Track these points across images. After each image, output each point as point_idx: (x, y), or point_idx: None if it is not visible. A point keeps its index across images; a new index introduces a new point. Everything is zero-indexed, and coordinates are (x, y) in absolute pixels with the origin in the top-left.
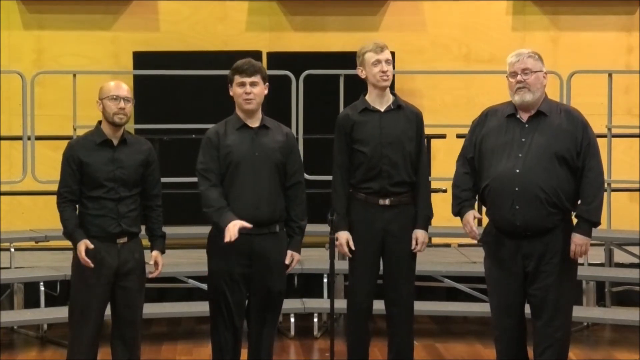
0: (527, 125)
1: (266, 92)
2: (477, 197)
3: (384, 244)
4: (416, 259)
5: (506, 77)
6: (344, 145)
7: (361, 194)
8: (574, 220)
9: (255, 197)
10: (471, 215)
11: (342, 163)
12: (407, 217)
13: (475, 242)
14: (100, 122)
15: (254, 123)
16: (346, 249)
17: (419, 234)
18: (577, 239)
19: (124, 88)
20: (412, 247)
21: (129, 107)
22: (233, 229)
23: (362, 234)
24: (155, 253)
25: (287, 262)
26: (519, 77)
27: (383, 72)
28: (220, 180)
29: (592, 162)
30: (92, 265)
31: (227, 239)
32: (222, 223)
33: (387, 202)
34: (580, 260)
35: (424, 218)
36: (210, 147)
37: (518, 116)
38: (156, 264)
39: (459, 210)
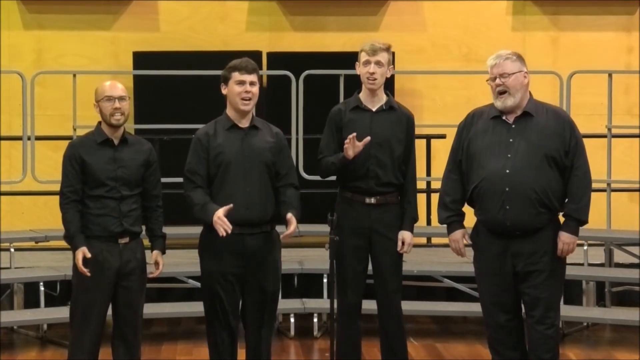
0: (513, 126)
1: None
2: (463, 208)
3: (371, 242)
4: (403, 256)
5: (486, 81)
6: (331, 139)
7: (348, 192)
8: (562, 219)
9: (246, 197)
10: (461, 234)
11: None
12: (393, 215)
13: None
14: (100, 123)
15: (244, 123)
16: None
17: (405, 235)
18: (564, 237)
19: (119, 87)
20: (399, 248)
21: (125, 106)
22: (220, 221)
23: (349, 232)
24: (155, 253)
25: (287, 216)
26: (497, 81)
27: (370, 73)
28: (207, 182)
29: (580, 161)
30: (88, 274)
31: (221, 233)
32: (207, 218)
33: (372, 200)
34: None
35: (411, 220)
36: (200, 148)
37: (504, 118)
38: (157, 264)
39: (447, 222)
